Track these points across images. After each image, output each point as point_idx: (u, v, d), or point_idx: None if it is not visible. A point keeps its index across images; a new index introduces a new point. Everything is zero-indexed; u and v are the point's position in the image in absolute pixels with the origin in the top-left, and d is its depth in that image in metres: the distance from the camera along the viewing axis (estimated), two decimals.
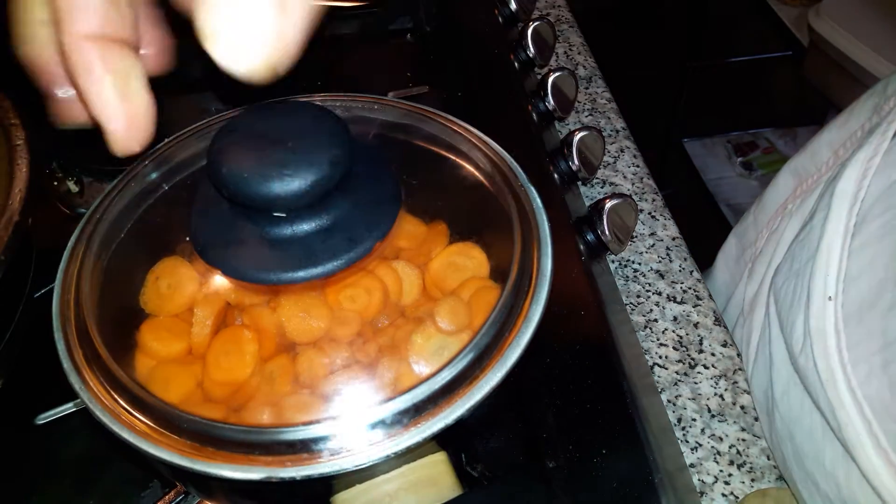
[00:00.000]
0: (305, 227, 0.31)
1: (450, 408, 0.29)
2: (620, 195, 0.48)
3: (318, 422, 0.28)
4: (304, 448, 0.28)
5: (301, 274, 0.30)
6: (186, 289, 0.37)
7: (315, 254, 0.31)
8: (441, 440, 0.31)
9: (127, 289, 0.37)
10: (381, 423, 0.28)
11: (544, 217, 0.35)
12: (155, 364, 0.35)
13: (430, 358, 0.34)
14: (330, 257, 0.31)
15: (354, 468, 0.28)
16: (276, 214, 0.31)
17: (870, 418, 0.33)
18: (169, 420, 0.29)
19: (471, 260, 0.38)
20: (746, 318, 0.47)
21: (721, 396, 0.44)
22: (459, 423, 0.29)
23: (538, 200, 0.35)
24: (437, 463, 0.32)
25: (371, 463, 0.28)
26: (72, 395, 0.30)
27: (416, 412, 0.28)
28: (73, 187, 0.56)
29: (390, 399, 0.29)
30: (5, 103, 0.45)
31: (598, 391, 0.41)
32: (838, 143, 0.47)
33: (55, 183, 0.56)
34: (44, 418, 0.44)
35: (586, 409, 0.41)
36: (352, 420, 0.28)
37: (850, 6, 1.25)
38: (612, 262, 0.51)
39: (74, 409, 0.43)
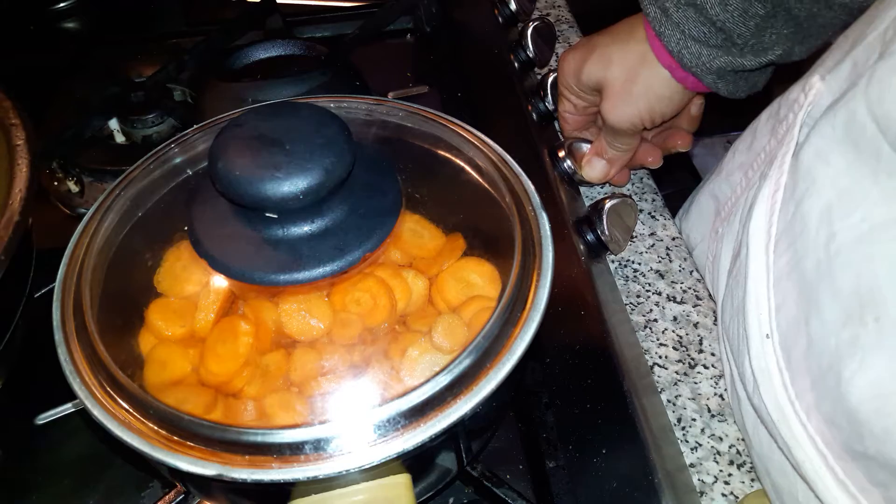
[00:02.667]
0: (296, 230, 0.31)
1: (412, 432, 0.28)
2: (620, 195, 0.48)
3: (276, 429, 0.28)
4: (259, 451, 0.28)
5: (282, 277, 0.30)
6: (197, 274, 0.37)
7: (300, 259, 0.30)
8: (405, 462, 0.30)
9: (131, 274, 0.37)
10: (337, 439, 0.28)
11: (550, 248, 0.34)
12: (156, 343, 0.35)
13: (420, 374, 0.33)
14: (315, 264, 0.30)
15: (306, 479, 0.27)
16: (267, 215, 0.30)
17: (824, 452, 0.33)
18: (144, 408, 0.29)
19: (480, 277, 0.37)
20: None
21: (721, 396, 0.44)
22: (422, 448, 0.28)
23: (547, 229, 0.34)
24: (398, 486, 0.31)
25: (321, 477, 0.27)
26: (71, 395, 0.30)
27: (382, 432, 0.28)
28: (73, 187, 0.56)
29: (351, 417, 0.28)
30: (5, 103, 0.45)
31: (598, 391, 0.41)
32: (747, 164, 0.47)
33: (55, 183, 0.57)
34: (44, 418, 0.44)
35: (586, 409, 0.41)
36: (310, 432, 0.28)
37: None
38: (612, 262, 0.51)
39: (74, 410, 0.44)
